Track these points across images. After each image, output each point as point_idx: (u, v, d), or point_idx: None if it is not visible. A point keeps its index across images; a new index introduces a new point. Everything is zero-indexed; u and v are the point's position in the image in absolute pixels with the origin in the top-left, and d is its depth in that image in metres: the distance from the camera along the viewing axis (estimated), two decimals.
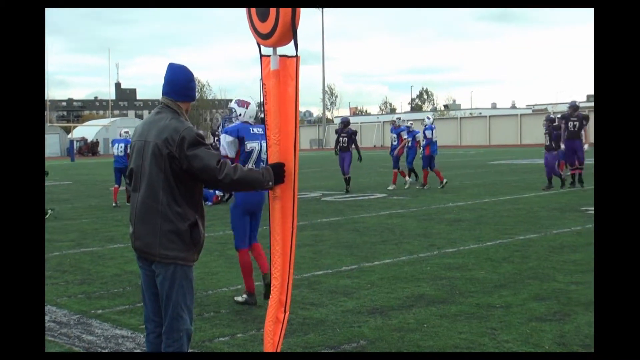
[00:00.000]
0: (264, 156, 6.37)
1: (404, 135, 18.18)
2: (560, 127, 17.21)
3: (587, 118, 16.16)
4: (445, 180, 17.86)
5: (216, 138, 17.88)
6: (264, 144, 6.38)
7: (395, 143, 18.31)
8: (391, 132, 18.85)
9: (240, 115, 6.48)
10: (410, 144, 18.56)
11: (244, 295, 6.38)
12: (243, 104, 6.50)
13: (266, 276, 6.37)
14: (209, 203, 15.17)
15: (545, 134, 16.62)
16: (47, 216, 12.95)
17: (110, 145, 19.79)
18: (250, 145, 6.33)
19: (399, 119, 19.10)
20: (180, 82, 3.78)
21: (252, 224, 6.51)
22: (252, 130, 6.41)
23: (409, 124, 19.42)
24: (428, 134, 18.24)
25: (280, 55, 3.84)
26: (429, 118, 19.06)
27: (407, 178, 18.44)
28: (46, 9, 3.57)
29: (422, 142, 18.38)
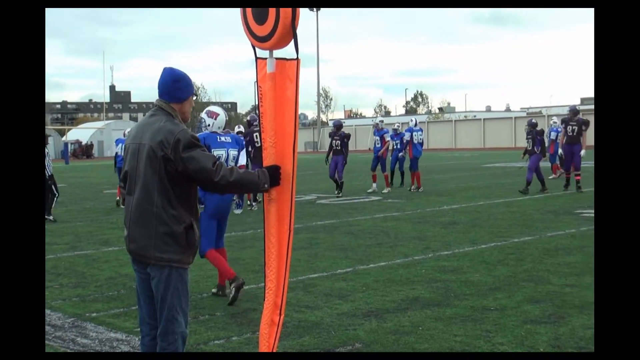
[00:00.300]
0: (231, 163, 6.73)
1: (387, 138, 18.20)
2: (543, 132, 17.33)
3: (586, 123, 16.12)
4: (420, 188, 17.86)
5: None
6: (231, 152, 6.80)
7: (378, 145, 18.30)
8: (374, 134, 18.84)
9: (209, 125, 6.81)
10: (399, 146, 18.58)
11: (232, 287, 6.36)
12: (212, 115, 6.84)
13: (223, 288, 6.70)
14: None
15: (527, 138, 16.66)
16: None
17: (114, 145, 19.71)
18: (216, 152, 6.65)
19: (382, 121, 19.07)
20: (166, 84, 3.77)
21: (221, 228, 6.82)
22: (219, 139, 6.77)
23: (396, 126, 19.45)
24: (407, 136, 18.30)
25: (278, 58, 3.83)
26: (412, 120, 19.09)
27: (374, 184, 18.23)
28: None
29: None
